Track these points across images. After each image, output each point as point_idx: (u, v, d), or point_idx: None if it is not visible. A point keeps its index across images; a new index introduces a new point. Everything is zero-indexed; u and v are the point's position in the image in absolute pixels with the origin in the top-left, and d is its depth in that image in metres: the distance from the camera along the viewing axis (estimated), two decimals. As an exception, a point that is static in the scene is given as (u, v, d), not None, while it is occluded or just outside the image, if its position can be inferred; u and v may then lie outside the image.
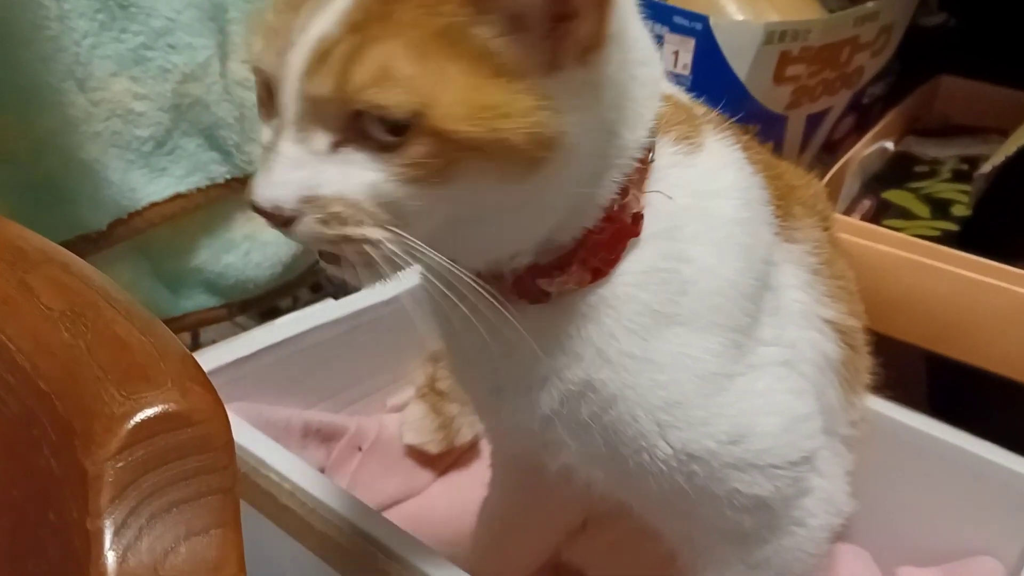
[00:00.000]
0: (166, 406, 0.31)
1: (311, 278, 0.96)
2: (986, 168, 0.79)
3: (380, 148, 0.39)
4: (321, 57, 0.38)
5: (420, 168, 0.40)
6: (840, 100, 0.95)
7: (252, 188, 0.40)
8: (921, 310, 0.76)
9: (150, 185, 0.78)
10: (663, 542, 0.59)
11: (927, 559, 0.77)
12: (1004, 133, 0.88)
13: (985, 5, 1.07)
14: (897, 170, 0.94)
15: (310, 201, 0.40)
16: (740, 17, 0.82)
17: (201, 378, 0.32)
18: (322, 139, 0.40)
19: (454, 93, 0.39)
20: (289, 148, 0.40)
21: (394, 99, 0.38)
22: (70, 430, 0.30)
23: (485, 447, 0.97)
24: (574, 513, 0.70)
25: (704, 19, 0.77)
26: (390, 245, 0.41)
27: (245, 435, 0.67)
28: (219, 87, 0.79)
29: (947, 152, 0.98)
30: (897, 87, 1.06)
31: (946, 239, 0.80)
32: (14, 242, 0.38)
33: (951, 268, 0.73)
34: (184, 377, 0.32)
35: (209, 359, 0.77)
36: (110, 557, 0.28)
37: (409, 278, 0.90)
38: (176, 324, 0.83)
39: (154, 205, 0.78)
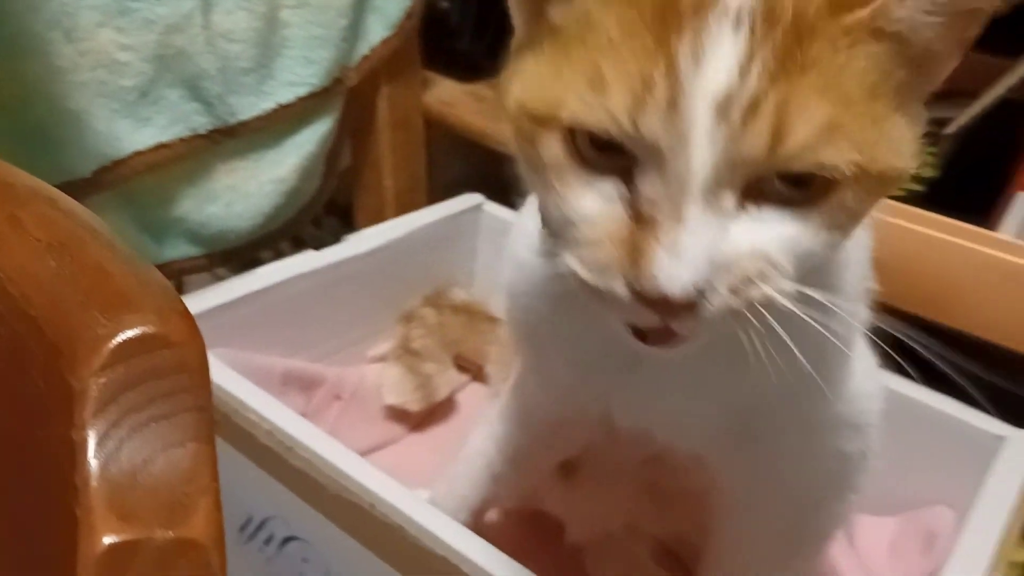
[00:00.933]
0: (146, 329, 0.32)
1: (292, 230, 0.97)
2: (951, 128, 0.81)
3: (786, 201, 0.36)
4: (746, 112, 0.33)
5: (836, 219, 0.36)
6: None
7: (653, 277, 0.34)
8: (886, 269, 0.78)
9: (134, 134, 0.79)
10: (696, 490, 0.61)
11: (885, 509, 0.80)
12: (973, 95, 0.90)
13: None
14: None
15: (721, 266, 0.35)
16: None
17: (179, 306, 0.34)
18: (728, 204, 0.35)
19: (882, 133, 0.36)
20: (699, 220, 0.34)
21: (843, 156, 0.34)
22: (56, 352, 0.32)
23: (463, 401, 0.99)
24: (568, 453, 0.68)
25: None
26: (789, 302, 0.36)
27: (224, 377, 0.69)
28: (202, 39, 0.80)
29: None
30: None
31: (913, 199, 0.82)
32: (5, 179, 0.39)
33: (915, 227, 0.76)
34: (163, 304, 0.33)
35: (191, 305, 0.78)
36: (93, 464, 0.30)
37: (385, 235, 0.92)
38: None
39: (138, 154, 0.79)
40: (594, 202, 0.37)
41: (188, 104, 0.82)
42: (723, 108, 0.33)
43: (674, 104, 0.33)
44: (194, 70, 0.81)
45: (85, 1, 0.73)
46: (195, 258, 0.89)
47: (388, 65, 0.97)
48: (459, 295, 1.00)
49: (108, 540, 0.29)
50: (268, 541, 0.67)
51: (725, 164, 0.34)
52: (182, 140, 0.82)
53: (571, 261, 0.38)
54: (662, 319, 0.36)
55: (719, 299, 0.35)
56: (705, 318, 0.35)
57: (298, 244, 1.05)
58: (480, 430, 0.68)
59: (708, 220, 0.34)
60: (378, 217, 1.02)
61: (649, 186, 0.35)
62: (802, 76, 0.33)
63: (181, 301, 0.35)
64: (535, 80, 0.37)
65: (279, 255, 0.87)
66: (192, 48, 0.80)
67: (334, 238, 0.88)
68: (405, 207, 1.00)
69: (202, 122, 0.84)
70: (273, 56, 0.87)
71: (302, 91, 0.89)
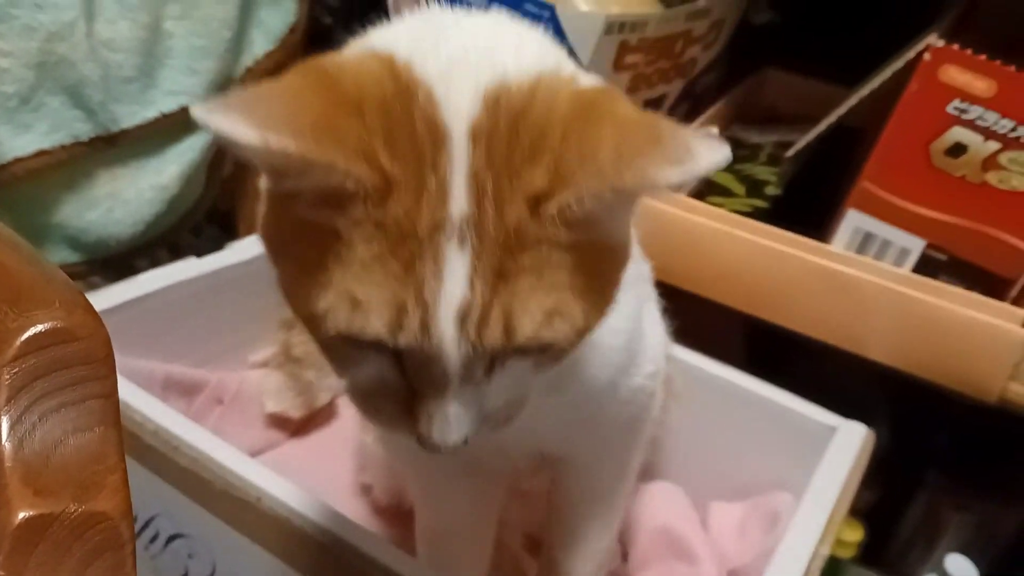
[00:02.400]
0: (54, 323, 0.35)
1: (172, 237, 0.98)
2: (791, 151, 0.90)
3: (524, 354, 0.42)
4: (479, 320, 0.39)
5: (562, 357, 0.44)
6: (674, 88, 1.05)
7: (428, 438, 0.42)
8: (735, 277, 0.86)
9: (14, 140, 0.79)
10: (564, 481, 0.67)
11: (734, 495, 0.88)
12: (814, 121, 1.00)
13: (808, 5, 1.20)
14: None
15: (483, 417, 0.43)
16: (585, 8, 0.90)
17: (84, 301, 0.37)
18: (479, 374, 0.42)
19: (590, 298, 0.41)
20: (459, 394, 0.41)
21: (562, 333, 0.40)
22: (-33, 345, 0.35)
23: (343, 407, 1.02)
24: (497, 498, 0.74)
25: (551, 7, 0.85)
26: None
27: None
28: (84, 47, 0.81)
29: (767, 138, 1.10)
30: (728, 78, 1.17)
31: (758, 215, 0.91)
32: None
33: (759, 239, 0.84)
34: (69, 299, 0.36)
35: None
36: (8, 446, 0.32)
37: (257, 244, 0.95)
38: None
39: (18, 160, 0.79)
40: (368, 370, 0.43)
41: (70, 111, 0.82)
42: (463, 319, 0.39)
43: (426, 325, 0.39)
44: (76, 78, 0.81)
45: (-36, 6, 0.73)
46: (74, 264, 0.88)
47: (270, 77, 0.99)
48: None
49: (24, 514, 0.32)
50: (154, 539, 0.69)
51: (471, 357, 0.40)
52: (63, 147, 0.83)
53: (358, 405, 0.45)
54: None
55: (484, 433, 0.44)
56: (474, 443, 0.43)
57: (177, 253, 1.06)
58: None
59: (465, 391, 0.41)
60: (260, 225, 1.04)
61: (413, 371, 0.41)
62: (519, 280, 0.39)
63: (85, 296, 0.37)
64: (296, 281, 0.41)
65: (157, 264, 0.88)
66: (74, 56, 0.81)
67: (215, 246, 0.90)
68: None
69: (84, 129, 0.84)
70: (156, 66, 0.88)
71: (185, 100, 0.91)
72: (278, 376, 0.94)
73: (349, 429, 0.99)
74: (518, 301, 0.39)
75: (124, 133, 0.87)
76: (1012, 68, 0.74)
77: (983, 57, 0.75)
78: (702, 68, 1.09)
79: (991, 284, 0.79)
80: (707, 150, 0.38)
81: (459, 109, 0.39)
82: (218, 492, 0.65)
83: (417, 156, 0.39)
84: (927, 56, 0.77)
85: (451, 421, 0.42)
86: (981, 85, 0.75)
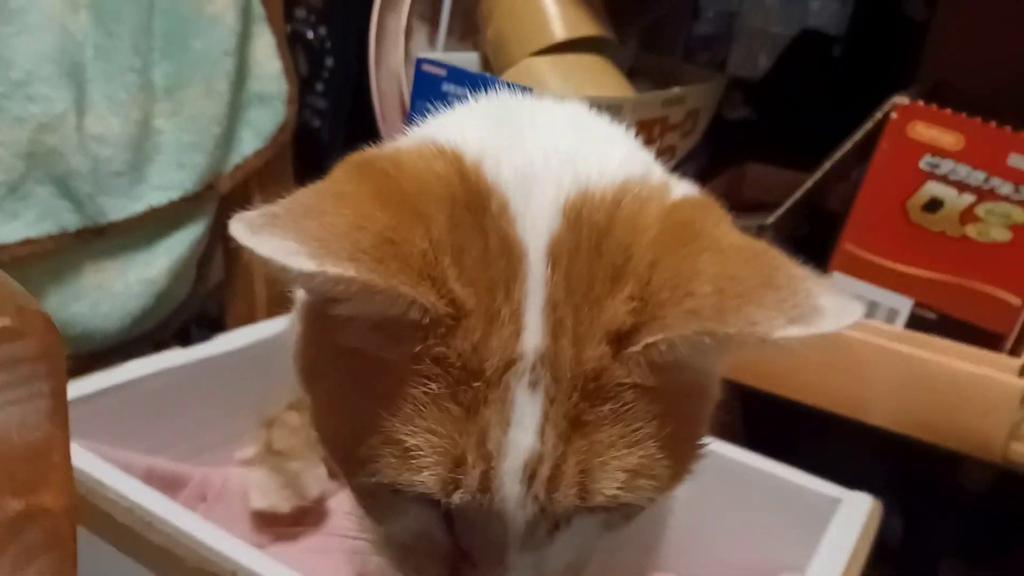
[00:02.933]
0: (4, 323, 0.35)
1: (160, 335, 0.98)
2: (772, 219, 0.91)
3: (590, 510, 0.36)
4: (551, 480, 0.33)
5: (636, 517, 0.38)
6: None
7: None
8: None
9: (1, 227, 0.80)
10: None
11: (740, 578, 0.84)
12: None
13: (780, 104, 1.24)
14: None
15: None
16: (559, 91, 0.93)
17: (34, 304, 0.36)
18: (542, 537, 0.36)
19: (676, 453, 0.36)
20: (519, 559, 0.36)
21: (645, 495, 0.35)
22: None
23: (336, 508, 0.99)
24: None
25: (529, 91, 0.88)
26: None
27: (82, 461, 0.68)
28: (74, 139, 0.83)
29: (750, 223, 1.11)
30: (709, 170, 1.19)
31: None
32: None
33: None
34: (20, 302, 0.36)
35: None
36: (-45, 437, 0.31)
37: (254, 335, 0.94)
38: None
39: (3, 247, 0.80)
40: (411, 524, 0.37)
41: (58, 201, 0.84)
42: (531, 476, 0.33)
43: (487, 483, 0.33)
44: (65, 169, 0.83)
45: (-43, 98, 0.75)
46: (57, 357, 0.87)
47: (261, 176, 1.02)
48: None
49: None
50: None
51: (536, 519, 0.34)
52: (50, 236, 0.83)
53: (387, 552, 0.40)
54: None
55: None
56: None
57: (160, 347, 1.05)
58: None
59: (525, 557, 0.36)
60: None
61: (465, 531, 0.36)
62: (598, 432, 0.34)
63: (36, 300, 0.37)
64: (336, 421, 0.37)
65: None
66: (64, 147, 0.83)
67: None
68: (276, 316, 1.02)
69: (72, 220, 0.85)
70: (145, 160, 0.90)
71: (174, 195, 0.92)
72: (261, 471, 0.91)
73: (342, 530, 0.95)
74: (597, 458, 0.33)
75: (112, 226, 0.88)
76: (978, 120, 0.76)
77: (948, 111, 0.77)
78: (682, 157, 1.11)
79: (983, 340, 0.78)
80: (837, 307, 0.32)
81: (537, 224, 0.34)
82: (192, 569, 0.62)
83: (489, 280, 0.33)
84: (894, 115, 0.79)
85: None
86: (949, 139, 0.77)
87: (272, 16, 0.99)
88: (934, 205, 0.79)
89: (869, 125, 0.81)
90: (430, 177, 0.35)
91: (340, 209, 0.33)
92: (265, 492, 0.91)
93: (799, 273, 0.33)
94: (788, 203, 0.88)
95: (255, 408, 0.95)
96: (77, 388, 0.78)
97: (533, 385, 0.33)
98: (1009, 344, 0.78)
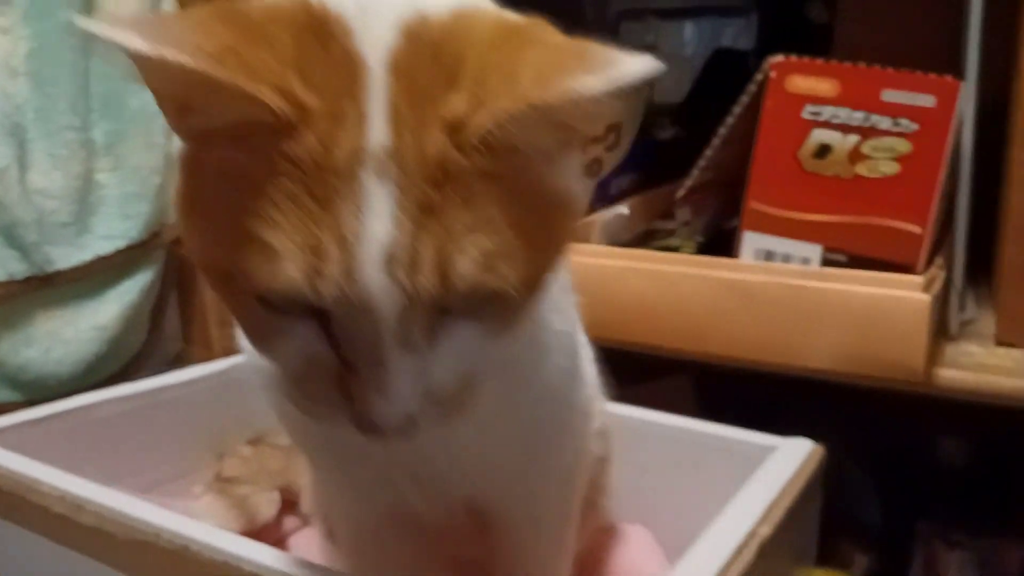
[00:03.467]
0: None
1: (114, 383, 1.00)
2: (680, 193, 0.95)
3: (471, 315, 0.38)
4: (410, 263, 0.35)
5: (520, 316, 0.40)
6: (585, 188, 1.11)
7: (366, 415, 0.37)
8: (644, 312, 0.87)
9: (-53, 274, 0.85)
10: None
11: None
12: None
13: (704, 120, 1.30)
14: (641, 239, 1.10)
15: (429, 394, 0.39)
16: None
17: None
18: (420, 337, 0.37)
19: (531, 239, 0.38)
20: (397, 360, 0.37)
21: (508, 279, 0.37)
22: None
23: (297, 546, 0.98)
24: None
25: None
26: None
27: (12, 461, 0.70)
28: (17, 191, 0.89)
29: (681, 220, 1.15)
30: (642, 186, 1.24)
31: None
32: None
33: (659, 267, 0.86)
34: None
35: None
36: None
37: (209, 368, 0.97)
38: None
39: (-51, 290, 0.84)
40: (296, 345, 0.38)
41: (4, 250, 0.89)
42: (390, 260, 0.35)
43: (348, 270, 0.35)
44: (9, 220, 0.88)
45: (-101, 153, 0.81)
46: (14, 404, 0.90)
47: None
48: (283, 439, 1.01)
49: None
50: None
51: (405, 310, 0.36)
52: (-1, 283, 0.88)
53: (289, 392, 0.40)
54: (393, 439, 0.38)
55: (429, 417, 0.39)
56: (417, 432, 0.39)
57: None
58: None
59: (405, 359, 0.37)
60: (207, 369, 1.06)
61: (342, 334, 0.37)
62: (447, 214, 0.36)
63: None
64: (207, 238, 0.38)
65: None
66: (8, 199, 0.88)
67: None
68: (232, 356, 1.05)
69: (19, 268, 0.90)
70: (89, 212, 0.96)
71: (120, 243, 0.97)
72: (208, 496, 0.92)
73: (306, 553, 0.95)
74: (451, 239, 0.35)
75: (60, 274, 0.93)
76: (848, 64, 0.81)
77: (820, 60, 0.81)
78: (611, 171, 1.16)
79: (895, 273, 0.81)
80: (631, 58, 0.35)
81: (377, 42, 0.37)
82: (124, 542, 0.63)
83: (334, 87, 0.36)
84: (773, 73, 0.83)
85: (391, 393, 0.37)
86: (825, 86, 0.81)
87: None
88: (823, 151, 0.82)
89: (753, 88, 0.86)
90: (277, 11, 0.37)
91: (188, 23, 0.36)
92: (212, 515, 0.91)
93: (607, 47, 0.36)
94: (692, 176, 0.92)
95: (212, 444, 0.97)
96: (32, 412, 0.80)
97: (381, 175, 0.35)
98: (921, 269, 0.81)
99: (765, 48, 1.24)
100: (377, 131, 0.35)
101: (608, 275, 0.88)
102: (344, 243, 0.35)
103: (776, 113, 0.84)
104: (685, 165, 1.27)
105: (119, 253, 0.97)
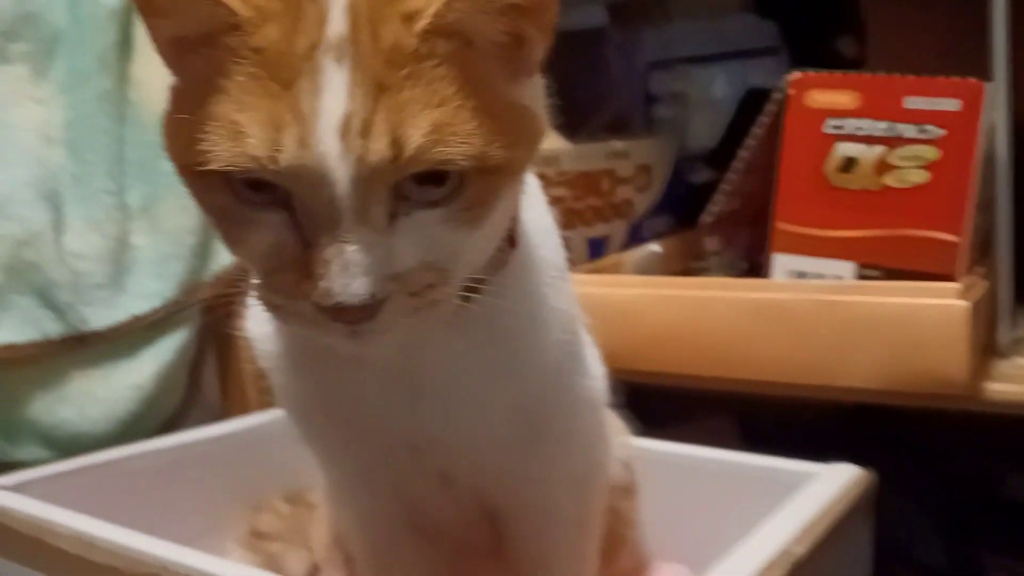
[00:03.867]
0: None
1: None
2: (706, 220, 0.92)
3: (431, 204, 0.40)
4: (363, 131, 0.38)
5: (478, 207, 0.41)
6: (616, 229, 1.10)
7: (330, 291, 0.39)
8: (668, 340, 0.84)
9: (-18, 333, 0.86)
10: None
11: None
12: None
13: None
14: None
15: (396, 279, 0.40)
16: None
17: None
18: (379, 214, 0.39)
19: (487, 127, 0.40)
20: (356, 234, 0.39)
21: (457, 151, 0.39)
22: None
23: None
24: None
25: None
26: (455, 295, 0.43)
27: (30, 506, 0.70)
28: (53, 254, 0.91)
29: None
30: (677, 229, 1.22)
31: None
32: None
33: (683, 292, 0.83)
34: None
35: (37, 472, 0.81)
36: None
37: (247, 422, 0.96)
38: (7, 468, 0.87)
39: (-15, 349, 0.86)
40: (264, 235, 0.41)
41: (40, 311, 0.91)
42: (345, 132, 0.37)
43: (305, 140, 0.37)
44: (45, 281, 0.90)
45: (-61, 217, 0.85)
46: (46, 462, 0.91)
47: (243, 282, 1.08)
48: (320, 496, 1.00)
49: None
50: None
51: (361, 179, 0.38)
52: (34, 343, 0.90)
53: (262, 294, 0.42)
54: (348, 328, 0.40)
55: (397, 304, 0.40)
56: (386, 320, 0.40)
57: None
58: None
59: (365, 234, 0.39)
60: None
61: (305, 213, 0.39)
62: (402, 92, 0.38)
63: None
64: (186, 137, 0.40)
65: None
66: (43, 261, 0.90)
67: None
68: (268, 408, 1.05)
69: (54, 328, 0.91)
70: (125, 272, 0.98)
71: (156, 303, 0.99)
72: (240, 551, 0.91)
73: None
74: (404, 112, 0.38)
75: (95, 334, 0.94)
76: (866, 74, 0.79)
77: (838, 73, 0.80)
78: (643, 212, 1.14)
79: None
80: None
81: None
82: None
83: None
84: (791, 90, 0.82)
85: (350, 265, 0.38)
86: (845, 98, 0.79)
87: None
88: (849, 164, 0.80)
89: (772, 107, 0.85)
90: None
91: None
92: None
93: None
94: (716, 201, 0.90)
95: (248, 498, 0.96)
96: (63, 464, 0.81)
97: (339, 59, 0.38)
98: (960, 278, 0.77)
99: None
100: (336, 24, 0.39)
101: (635, 304, 0.85)
102: (301, 116, 0.38)
103: (797, 129, 0.82)
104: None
105: (154, 312, 0.99)
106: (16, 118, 0.92)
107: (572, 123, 1.09)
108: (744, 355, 0.81)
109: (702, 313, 0.82)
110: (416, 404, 0.52)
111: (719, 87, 1.35)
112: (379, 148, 0.38)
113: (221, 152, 0.38)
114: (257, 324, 0.57)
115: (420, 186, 0.40)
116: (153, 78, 1.00)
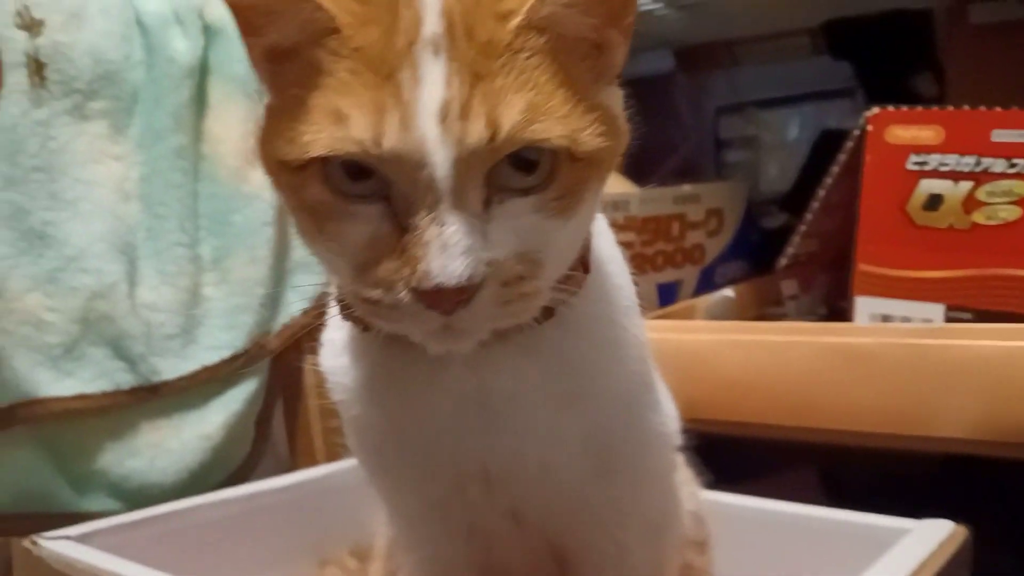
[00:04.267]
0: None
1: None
2: (782, 263, 0.89)
3: (523, 192, 0.42)
4: (461, 114, 0.39)
5: (568, 197, 0.43)
6: (688, 274, 1.07)
7: (428, 273, 0.39)
8: (745, 387, 0.81)
9: (55, 384, 0.87)
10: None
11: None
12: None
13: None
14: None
15: (492, 264, 0.41)
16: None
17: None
18: (475, 199, 0.41)
19: (577, 114, 0.42)
20: (454, 217, 0.40)
21: (550, 131, 0.41)
22: None
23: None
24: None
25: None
26: (546, 292, 0.44)
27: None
28: (126, 305, 0.92)
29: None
30: (752, 274, 1.18)
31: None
32: None
33: (764, 337, 0.80)
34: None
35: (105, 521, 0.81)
36: None
37: (314, 474, 0.96)
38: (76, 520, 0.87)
39: (57, 399, 0.87)
40: (361, 227, 0.42)
41: (112, 362, 0.91)
42: (444, 116, 0.39)
43: (406, 121, 0.39)
44: (118, 332, 0.92)
45: (17, 271, 0.86)
46: (114, 513, 0.91)
47: (311, 333, 1.08)
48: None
49: None
50: None
51: (460, 161, 0.39)
52: (105, 393, 0.90)
53: (359, 289, 0.42)
54: (442, 315, 0.40)
55: (491, 292, 0.41)
56: (480, 310, 0.41)
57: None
58: None
59: (463, 217, 0.40)
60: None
61: (403, 199, 0.41)
62: (496, 80, 0.41)
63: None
64: (285, 134, 0.42)
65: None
66: (116, 313, 0.91)
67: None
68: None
69: (126, 379, 0.92)
70: (196, 324, 0.98)
71: (225, 354, 0.99)
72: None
73: None
74: (499, 96, 0.40)
75: (166, 384, 0.95)
76: (949, 108, 0.75)
77: (919, 108, 0.76)
78: (716, 257, 1.11)
79: (1029, 328, 0.72)
80: None
81: None
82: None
83: (388, 2, 0.42)
84: (870, 126, 0.79)
85: (449, 245, 0.39)
86: (929, 133, 0.76)
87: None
88: (934, 202, 0.76)
89: (851, 145, 0.82)
90: None
91: None
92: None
93: None
94: (792, 243, 0.87)
95: (314, 551, 0.95)
96: (131, 515, 0.81)
97: (435, 53, 0.40)
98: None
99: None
100: (431, 24, 0.41)
101: (709, 350, 0.82)
102: (402, 101, 0.39)
103: (878, 167, 0.79)
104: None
105: (224, 363, 0.99)
106: (95, 175, 0.94)
107: (641, 169, 1.08)
108: (827, 403, 0.77)
109: (782, 359, 0.78)
110: (489, 430, 0.51)
111: (791, 130, 1.33)
112: (477, 128, 0.39)
113: (324, 138, 0.40)
114: (331, 357, 0.57)
115: (514, 172, 0.41)
116: (226, 133, 1.02)
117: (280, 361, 1.06)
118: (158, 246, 0.97)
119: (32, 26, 0.90)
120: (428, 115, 0.39)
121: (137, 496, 0.93)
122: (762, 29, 1.30)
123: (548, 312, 0.48)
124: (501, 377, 0.49)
